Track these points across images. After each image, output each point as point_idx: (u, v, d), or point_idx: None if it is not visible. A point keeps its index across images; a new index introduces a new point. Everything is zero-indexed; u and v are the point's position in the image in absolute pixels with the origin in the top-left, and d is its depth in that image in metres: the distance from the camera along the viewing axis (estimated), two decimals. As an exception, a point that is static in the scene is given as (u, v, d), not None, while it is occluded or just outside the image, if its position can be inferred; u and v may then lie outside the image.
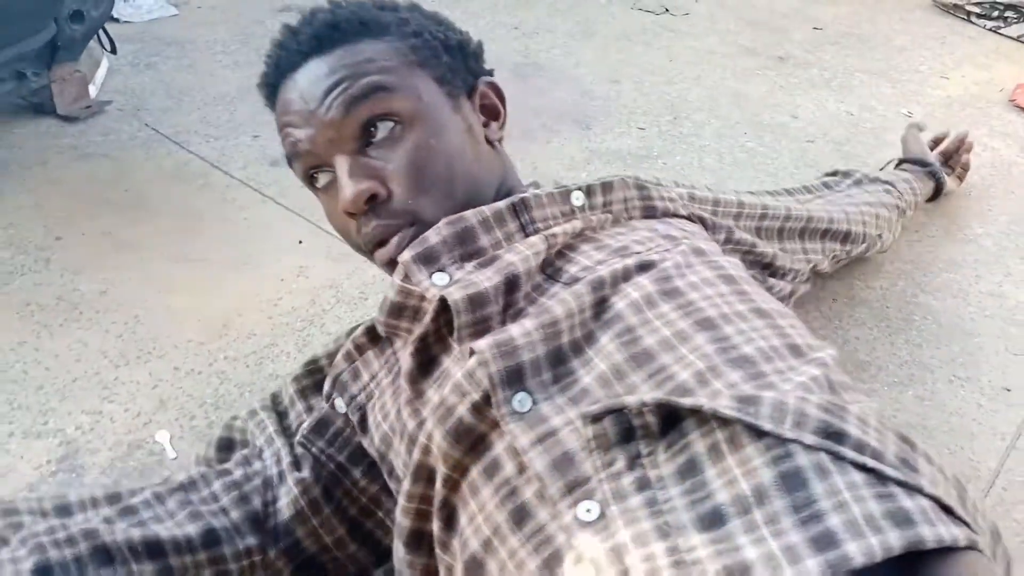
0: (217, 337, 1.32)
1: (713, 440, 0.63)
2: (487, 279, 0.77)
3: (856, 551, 0.54)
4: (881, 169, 1.69)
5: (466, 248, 0.82)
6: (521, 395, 0.71)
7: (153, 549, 0.80)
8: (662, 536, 0.59)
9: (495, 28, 2.54)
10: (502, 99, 0.98)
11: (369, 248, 0.88)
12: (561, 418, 0.69)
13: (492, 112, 0.96)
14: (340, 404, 0.93)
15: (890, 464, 0.61)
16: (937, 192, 1.71)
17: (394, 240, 0.86)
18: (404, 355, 0.83)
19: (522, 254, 0.80)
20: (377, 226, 0.85)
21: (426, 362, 0.82)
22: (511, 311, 0.78)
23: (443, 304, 0.77)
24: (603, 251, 0.83)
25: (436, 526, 0.75)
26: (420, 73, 0.88)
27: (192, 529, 0.83)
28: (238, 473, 0.91)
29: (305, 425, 0.94)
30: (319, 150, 0.86)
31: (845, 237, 1.36)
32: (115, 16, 2.28)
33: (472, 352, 0.73)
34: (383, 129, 0.84)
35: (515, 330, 0.73)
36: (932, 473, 0.64)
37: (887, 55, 2.57)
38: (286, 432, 0.97)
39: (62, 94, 1.81)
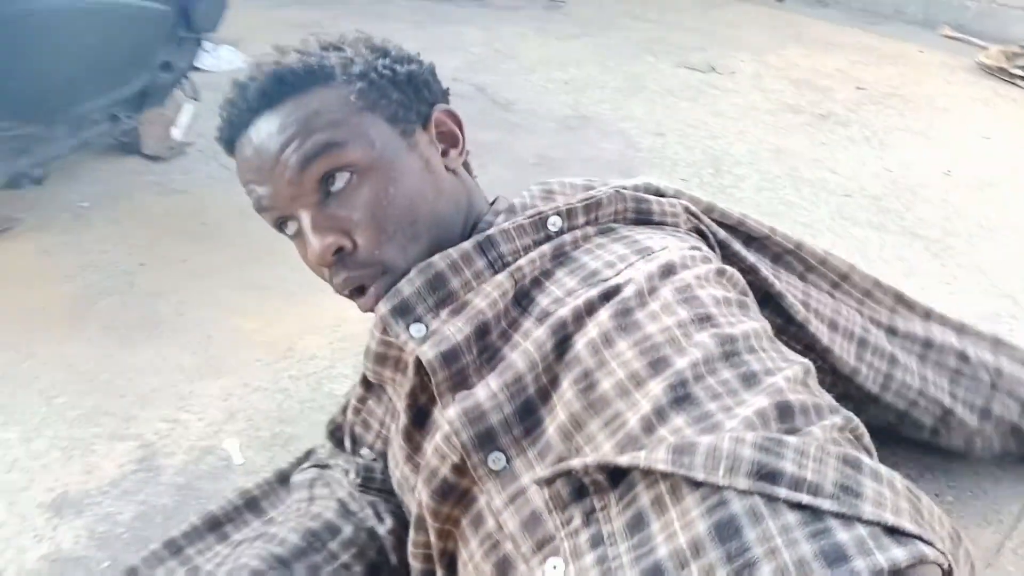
0: (282, 358, 1.44)
1: (657, 492, 0.65)
2: (458, 331, 0.80)
3: None
4: None
5: (438, 294, 0.83)
6: (495, 454, 0.75)
7: None
8: None
9: (547, 83, 2.68)
10: (459, 124, 0.96)
11: (346, 295, 0.89)
12: (529, 476, 0.72)
13: (450, 138, 0.95)
14: (367, 453, 1.00)
15: (828, 495, 0.61)
16: None
17: (371, 291, 0.86)
18: (399, 407, 0.86)
19: (489, 297, 0.82)
20: (347, 277, 0.86)
21: (419, 416, 0.85)
22: (486, 355, 0.80)
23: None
24: (575, 276, 0.83)
25: (440, 572, 0.82)
26: (370, 118, 0.86)
27: None
28: (348, 529, 0.94)
29: (354, 480, 0.99)
30: (282, 205, 0.86)
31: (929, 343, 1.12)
32: (198, 66, 2.47)
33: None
34: (340, 180, 0.84)
35: (481, 393, 0.76)
36: (877, 492, 0.64)
37: (929, 115, 2.64)
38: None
39: (149, 135, 1.98)
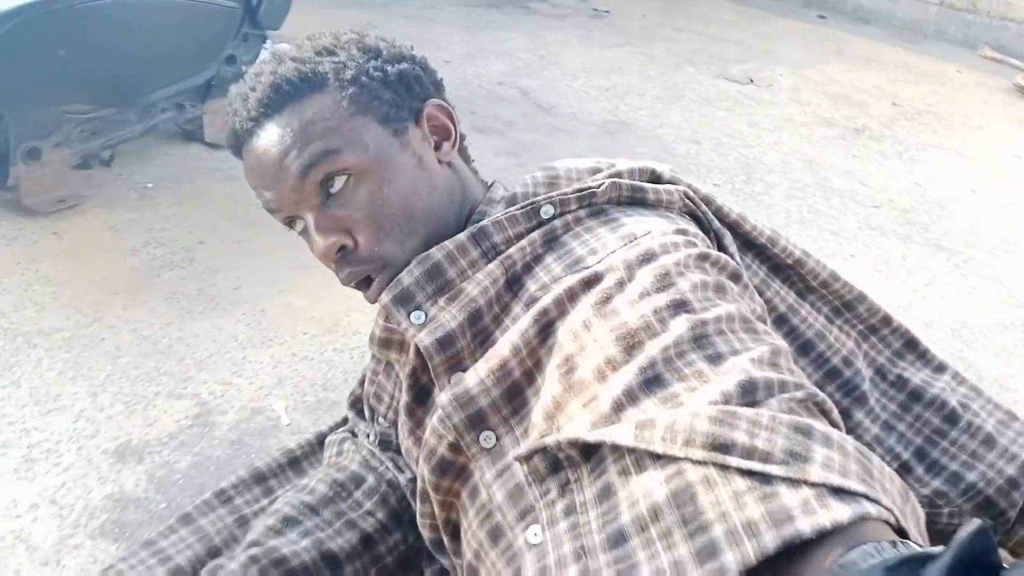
0: (328, 332, 1.54)
1: (623, 465, 0.71)
2: (452, 318, 0.86)
3: (732, 561, 0.60)
4: None
5: (436, 283, 0.89)
6: (486, 433, 0.82)
7: (332, 563, 0.94)
8: (576, 559, 0.68)
9: (589, 89, 2.77)
10: (450, 117, 0.99)
11: (352, 287, 0.95)
12: (515, 453, 0.78)
13: (443, 131, 0.98)
14: (382, 422, 1.08)
15: (777, 462, 0.65)
16: None
17: (374, 284, 0.92)
18: (403, 386, 0.92)
19: (481, 285, 0.87)
20: (350, 272, 0.92)
21: (420, 394, 0.92)
22: (479, 338, 0.87)
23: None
24: (561, 262, 0.88)
25: (446, 539, 0.90)
26: (363, 121, 0.90)
27: (352, 537, 0.97)
28: (371, 479, 1.02)
29: (374, 442, 1.08)
30: (287, 208, 0.92)
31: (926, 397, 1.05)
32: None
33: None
34: (338, 183, 0.89)
35: (470, 379, 0.82)
36: (827, 456, 0.67)
37: (962, 133, 2.69)
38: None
39: (211, 125, 2.10)
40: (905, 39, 3.73)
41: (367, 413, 1.10)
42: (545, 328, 0.83)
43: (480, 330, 0.87)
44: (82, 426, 1.29)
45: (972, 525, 0.54)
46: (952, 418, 1.03)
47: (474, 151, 1.07)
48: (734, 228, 1.03)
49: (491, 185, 1.03)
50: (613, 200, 0.95)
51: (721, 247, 0.98)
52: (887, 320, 1.08)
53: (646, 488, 0.68)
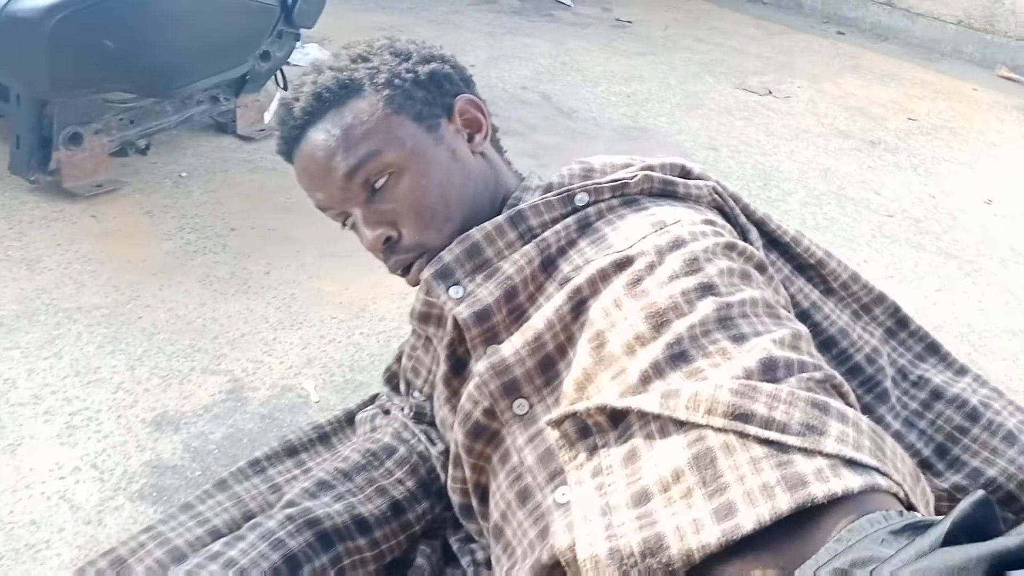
0: (355, 317, 1.60)
1: (648, 431, 0.76)
2: (489, 293, 0.92)
3: (747, 519, 0.65)
4: None
5: (475, 261, 0.95)
6: (519, 401, 0.87)
7: (362, 526, 0.99)
8: (602, 514, 0.73)
9: (610, 95, 2.83)
10: (481, 110, 1.06)
11: (398, 274, 1.03)
12: (546, 419, 0.83)
13: (475, 124, 1.05)
14: (418, 395, 1.13)
15: (794, 433, 0.69)
16: None
17: (414, 268, 1.00)
18: (441, 357, 0.98)
19: (517, 264, 0.93)
20: (396, 260, 1.00)
21: (457, 364, 0.97)
22: (514, 314, 0.93)
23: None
24: (595, 246, 0.93)
25: (475, 501, 0.95)
26: (399, 120, 0.98)
27: (383, 503, 1.02)
28: (402, 449, 1.07)
29: (408, 415, 1.13)
30: (337, 206, 1.00)
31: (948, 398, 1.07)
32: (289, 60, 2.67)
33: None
34: (381, 179, 0.97)
35: (507, 349, 0.88)
36: (841, 431, 0.71)
37: (977, 148, 2.73)
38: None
39: (243, 118, 2.17)
40: (923, 57, 3.78)
41: (403, 387, 1.16)
42: (578, 305, 0.89)
43: (515, 307, 0.93)
44: (121, 397, 1.35)
45: (975, 495, 0.59)
46: (973, 416, 1.04)
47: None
48: (760, 226, 1.07)
49: (526, 175, 1.09)
50: (645, 191, 1.00)
51: (747, 241, 1.02)
52: (904, 323, 1.11)
53: (669, 452, 0.73)
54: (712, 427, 0.71)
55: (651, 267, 0.88)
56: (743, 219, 1.04)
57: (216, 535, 1.01)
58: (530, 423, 0.87)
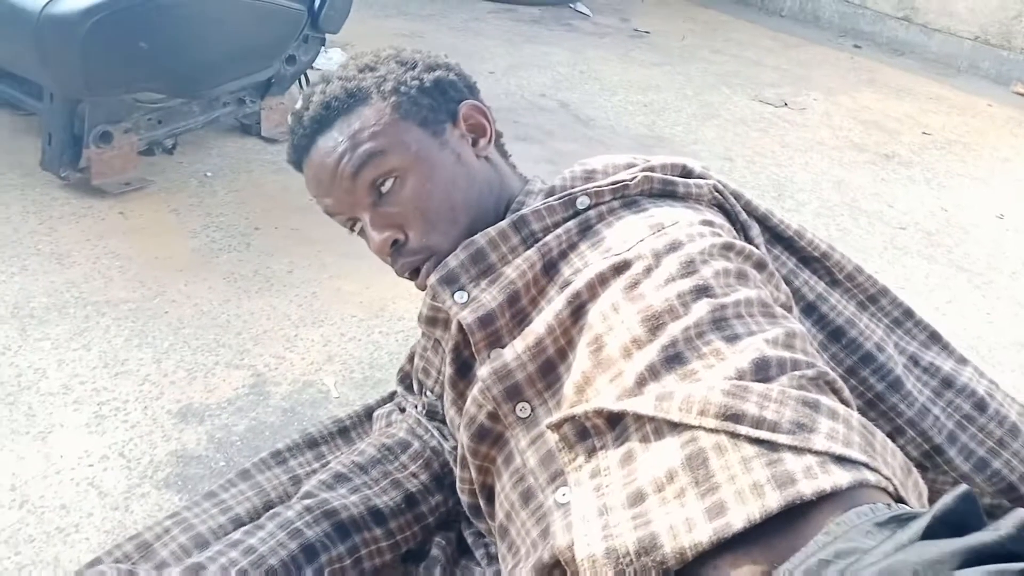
0: (374, 316, 1.64)
1: (644, 432, 0.78)
2: (493, 298, 0.94)
3: (738, 517, 0.67)
4: None
5: (479, 266, 0.97)
6: (522, 404, 0.90)
7: (377, 518, 1.03)
8: (599, 515, 0.75)
9: (627, 104, 2.87)
10: (485, 115, 1.07)
11: (406, 277, 1.05)
12: (547, 421, 0.85)
13: (479, 129, 1.06)
14: (430, 395, 1.16)
15: (784, 431, 0.71)
16: None
17: (422, 271, 1.01)
18: (446, 360, 1.00)
19: (519, 269, 0.95)
20: (403, 264, 1.01)
21: (462, 367, 0.99)
22: (517, 318, 0.94)
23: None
24: (595, 249, 0.95)
25: (482, 502, 0.98)
26: (404, 125, 1.00)
27: (397, 495, 1.06)
28: (416, 444, 1.12)
29: (421, 412, 1.17)
30: (345, 210, 1.02)
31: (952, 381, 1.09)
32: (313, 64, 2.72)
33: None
34: (387, 184, 0.99)
35: (509, 355, 0.90)
36: (831, 428, 0.73)
37: (990, 164, 2.75)
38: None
39: (268, 120, 2.22)
40: (939, 72, 3.80)
41: (416, 386, 1.19)
42: (577, 309, 0.91)
43: (518, 310, 0.95)
44: (148, 388, 1.39)
45: (958, 490, 0.62)
46: (981, 406, 1.07)
47: (515, 158, 1.15)
48: (763, 221, 1.08)
49: (529, 179, 1.11)
50: (645, 192, 1.01)
51: (748, 238, 1.04)
52: (910, 313, 1.13)
53: (664, 453, 0.75)
54: (704, 428, 0.74)
55: (648, 270, 0.89)
56: (744, 216, 1.05)
57: (238, 523, 1.04)
58: (532, 426, 0.89)
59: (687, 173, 1.07)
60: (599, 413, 0.81)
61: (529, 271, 0.95)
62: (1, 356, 1.42)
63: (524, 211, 0.99)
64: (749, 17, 4.35)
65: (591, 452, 0.82)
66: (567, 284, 0.93)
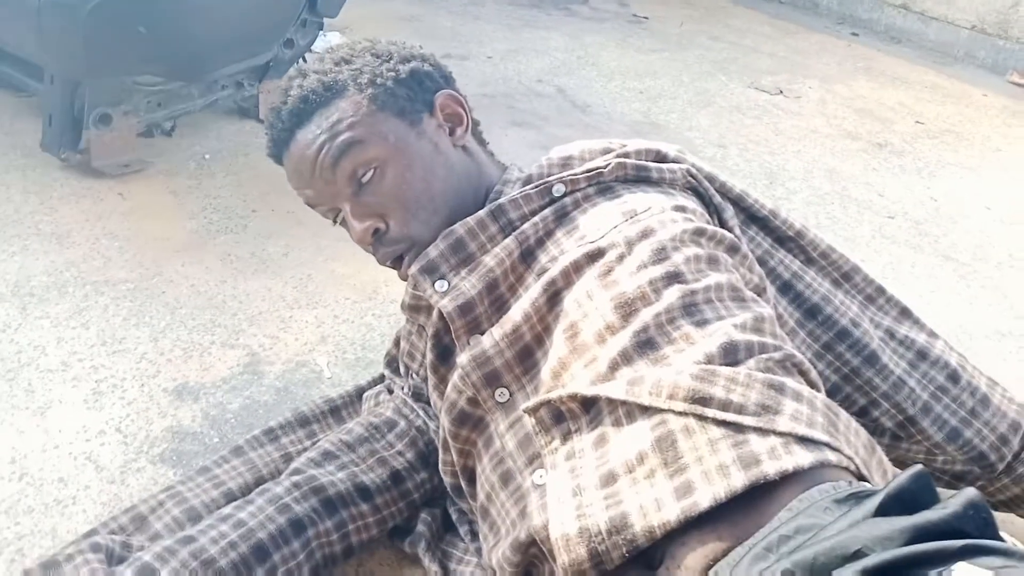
0: (367, 298, 1.67)
1: (616, 416, 0.81)
2: (472, 286, 0.97)
3: (704, 496, 0.70)
4: None
5: (459, 255, 1.00)
6: (500, 389, 0.93)
7: (364, 494, 1.07)
8: (573, 495, 0.79)
9: (623, 90, 2.89)
10: (462, 105, 1.09)
11: (388, 266, 1.08)
12: (524, 405, 0.89)
13: (456, 118, 1.09)
14: (415, 377, 1.20)
15: (749, 413, 0.75)
16: None
17: (405, 261, 1.04)
18: (428, 346, 1.03)
19: (497, 257, 0.97)
20: (385, 252, 1.04)
21: (443, 353, 1.02)
22: (496, 304, 0.97)
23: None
24: (570, 237, 0.97)
25: (463, 483, 1.02)
26: (382, 116, 1.01)
27: (383, 472, 1.10)
28: (403, 423, 1.16)
29: (407, 393, 1.20)
30: (326, 201, 1.05)
31: (929, 355, 1.12)
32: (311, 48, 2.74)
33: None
34: (367, 174, 1.00)
35: (487, 342, 0.93)
36: (796, 410, 0.76)
37: (982, 154, 2.77)
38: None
39: (265, 103, 2.24)
40: (935, 60, 3.81)
41: (402, 369, 1.22)
42: (553, 297, 0.94)
43: (496, 298, 0.98)
44: (144, 366, 1.43)
45: (912, 469, 0.66)
46: (954, 377, 1.11)
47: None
48: (737, 202, 1.10)
49: (508, 167, 1.13)
50: (620, 178, 1.04)
51: (721, 221, 1.06)
52: (882, 290, 1.16)
53: (635, 436, 0.79)
54: (674, 411, 0.77)
55: (621, 258, 0.92)
56: (718, 199, 1.07)
57: (230, 497, 1.08)
58: (511, 410, 0.93)
59: (661, 158, 1.09)
60: (573, 398, 0.85)
61: (507, 259, 0.98)
62: (2, 333, 1.45)
63: (502, 200, 1.01)
64: (747, 3, 4.36)
65: (566, 435, 0.85)
66: (543, 271, 0.96)
